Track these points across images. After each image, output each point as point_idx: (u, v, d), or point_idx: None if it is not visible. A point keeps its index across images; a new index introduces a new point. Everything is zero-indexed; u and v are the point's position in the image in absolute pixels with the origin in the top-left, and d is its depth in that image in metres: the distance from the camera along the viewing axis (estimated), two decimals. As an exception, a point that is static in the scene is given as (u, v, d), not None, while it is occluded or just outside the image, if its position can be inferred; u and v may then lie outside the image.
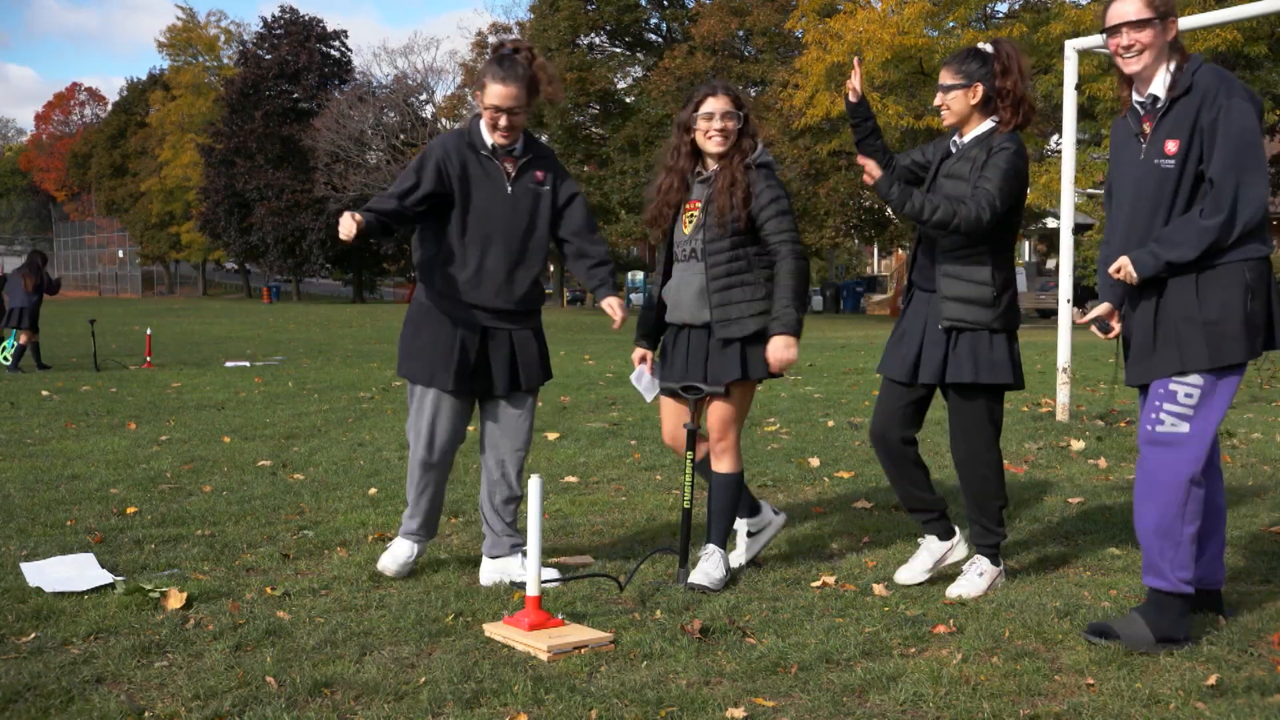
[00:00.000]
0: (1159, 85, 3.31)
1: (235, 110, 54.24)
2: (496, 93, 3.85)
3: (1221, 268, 3.22)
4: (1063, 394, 8.40)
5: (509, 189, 3.97)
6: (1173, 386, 3.25)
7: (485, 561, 4.05)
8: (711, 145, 3.90)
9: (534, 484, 3.37)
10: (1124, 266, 3.29)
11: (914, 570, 3.93)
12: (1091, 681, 2.97)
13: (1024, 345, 19.52)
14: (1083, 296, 48.98)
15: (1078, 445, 7.00)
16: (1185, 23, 8.24)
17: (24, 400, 9.79)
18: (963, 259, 3.75)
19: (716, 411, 3.96)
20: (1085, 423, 8.13)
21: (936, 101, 3.84)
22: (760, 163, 3.93)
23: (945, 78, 3.80)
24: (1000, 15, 30.35)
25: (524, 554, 3.91)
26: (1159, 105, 3.30)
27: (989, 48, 3.79)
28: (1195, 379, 3.23)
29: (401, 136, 52.15)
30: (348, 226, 3.76)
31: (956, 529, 4.00)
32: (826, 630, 3.40)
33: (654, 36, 45.37)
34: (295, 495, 5.46)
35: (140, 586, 3.71)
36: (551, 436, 7.54)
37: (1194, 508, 3.24)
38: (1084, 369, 13.37)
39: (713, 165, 3.95)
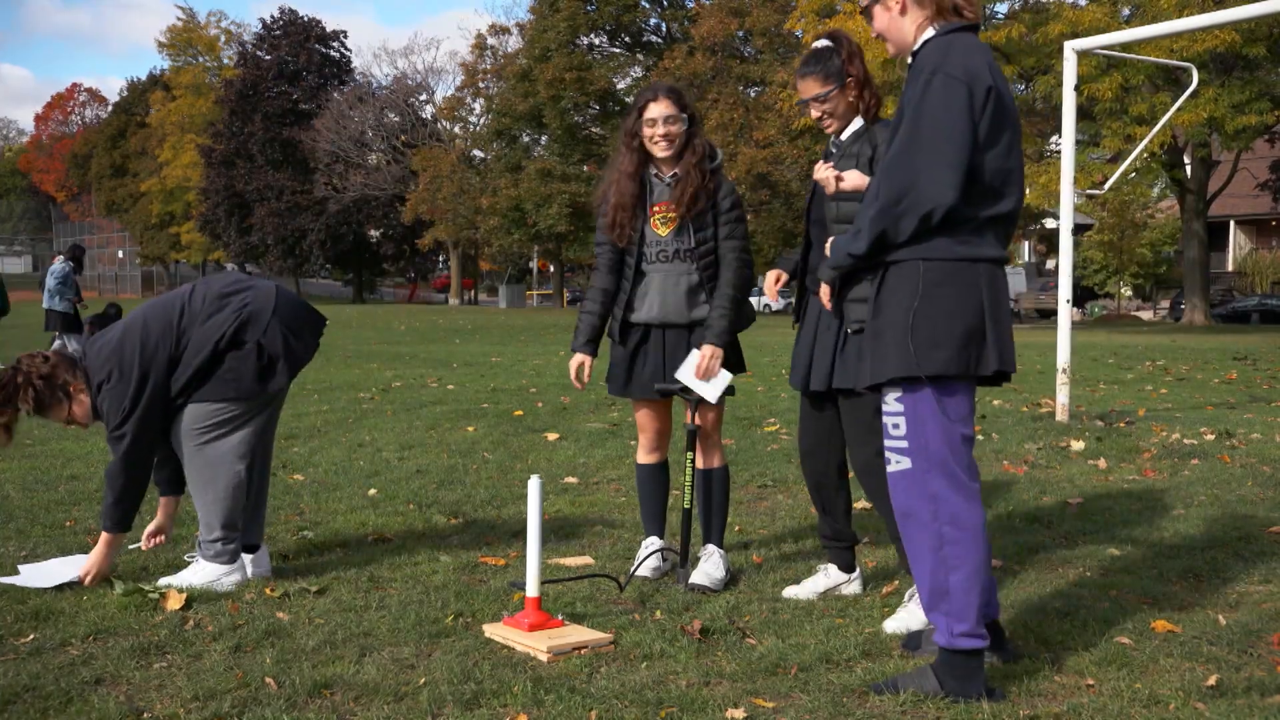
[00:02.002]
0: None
1: (235, 111, 54.28)
2: None
3: (897, 266, 2.85)
4: (1062, 394, 8.39)
5: None
6: (885, 419, 2.91)
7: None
8: (659, 150, 3.89)
9: (533, 485, 3.37)
10: (826, 252, 3.05)
11: (804, 589, 3.80)
12: (1091, 682, 2.97)
13: (1024, 345, 19.55)
14: (1082, 297, 48.68)
15: (1077, 446, 7.00)
16: (1184, 24, 8.24)
17: (23, 401, 9.78)
18: None
19: (713, 409, 3.99)
20: (1085, 423, 8.13)
21: (814, 115, 3.62)
22: (714, 168, 3.95)
23: (815, 87, 3.57)
24: (1000, 16, 30.32)
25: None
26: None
27: (830, 41, 3.61)
28: (896, 406, 2.87)
29: (403, 137, 52.17)
30: None
31: (858, 566, 3.90)
32: (826, 631, 3.40)
33: (654, 37, 45.39)
34: (295, 496, 5.46)
35: (139, 587, 3.70)
36: (551, 437, 7.54)
37: (953, 551, 2.83)
38: (1083, 369, 13.37)
39: (673, 168, 3.91)
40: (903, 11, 2.96)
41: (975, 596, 2.84)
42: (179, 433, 3.86)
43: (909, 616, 3.43)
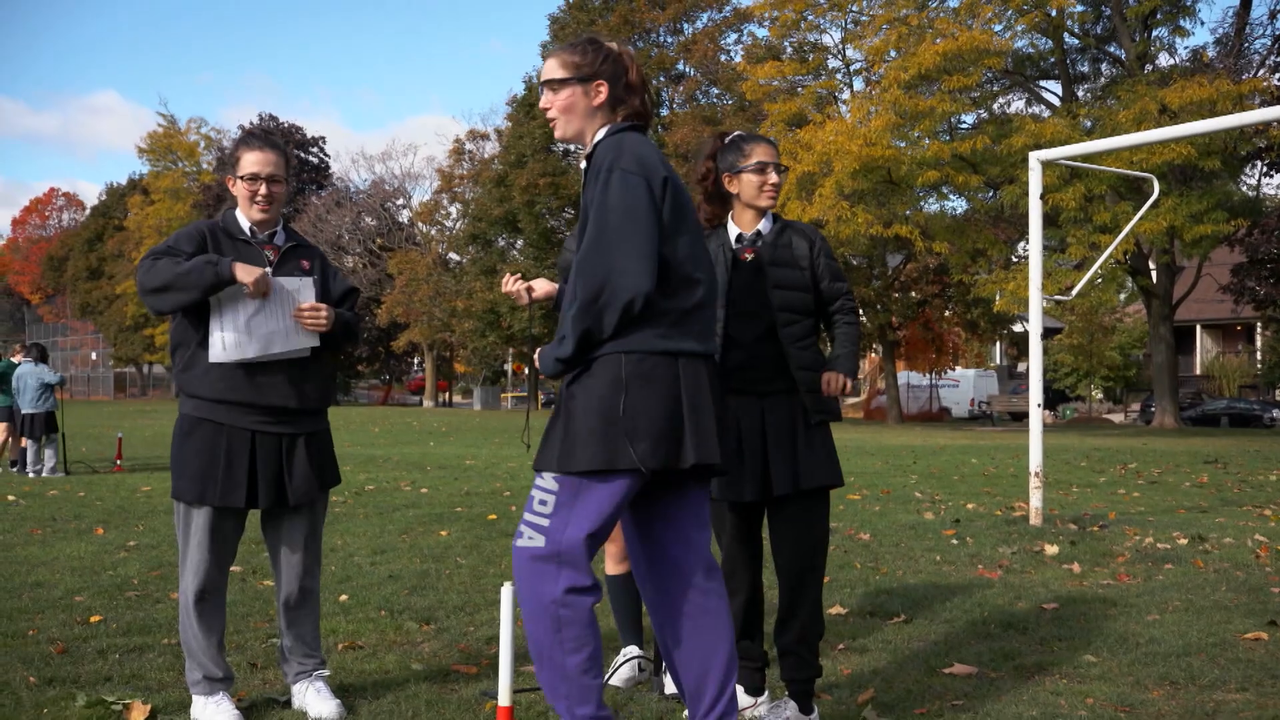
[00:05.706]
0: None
1: (213, 215, 54.63)
2: (255, 159, 3.57)
3: (598, 360, 2.81)
4: (1035, 498, 8.43)
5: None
6: (534, 491, 2.86)
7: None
8: None
9: (507, 591, 3.34)
10: (535, 361, 3.02)
11: None
12: (1070, 792, 2.94)
13: (996, 448, 19.64)
14: (1054, 400, 48.91)
15: (1051, 550, 7.01)
16: (1140, 137, 8.53)
17: (-11, 505, 9.64)
18: (806, 347, 3.53)
19: None
20: (1059, 526, 8.15)
21: (771, 184, 3.61)
22: None
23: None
24: (965, 126, 31.21)
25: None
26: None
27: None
28: (550, 483, 2.82)
29: (379, 240, 52.66)
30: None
31: (766, 690, 3.70)
32: (802, 741, 3.35)
33: (629, 145, 46.26)
34: (265, 602, 5.38)
35: (103, 699, 3.62)
36: (525, 542, 7.47)
37: (572, 633, 2.78)
38: (1056, 472, 13.43)
39: None
40: (599, 105, 2.97)
41: (595, 679, 2.80)
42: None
43: None
